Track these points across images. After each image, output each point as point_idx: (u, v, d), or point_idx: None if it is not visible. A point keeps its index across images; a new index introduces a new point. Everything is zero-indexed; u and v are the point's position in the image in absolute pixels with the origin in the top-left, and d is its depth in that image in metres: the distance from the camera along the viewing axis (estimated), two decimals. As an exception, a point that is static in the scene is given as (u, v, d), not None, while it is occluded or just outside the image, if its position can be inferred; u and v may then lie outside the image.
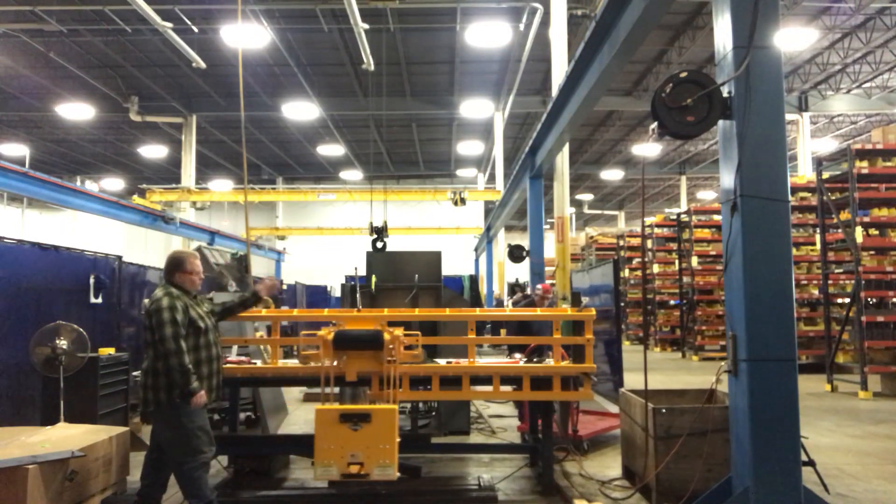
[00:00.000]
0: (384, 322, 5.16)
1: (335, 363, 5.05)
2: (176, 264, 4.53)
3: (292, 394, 10.36)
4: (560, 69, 10.74)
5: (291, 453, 6.42)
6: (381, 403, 4.85)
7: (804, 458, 4.66)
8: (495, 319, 11.83)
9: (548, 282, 8.59)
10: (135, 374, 7.24)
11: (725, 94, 4.17)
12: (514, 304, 12.09)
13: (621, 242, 24.05)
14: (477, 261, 29.75)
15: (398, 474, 4.60)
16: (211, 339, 4.48)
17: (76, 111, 20.86)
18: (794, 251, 8.54)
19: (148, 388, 4.26)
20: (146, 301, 4.49)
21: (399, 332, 5.05)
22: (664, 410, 5.02)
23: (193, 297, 4.55)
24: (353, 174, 31.78)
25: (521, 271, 19.08)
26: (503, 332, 8.87)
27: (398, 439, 4.61)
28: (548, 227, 13.78)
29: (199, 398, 4.23)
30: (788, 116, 20.70)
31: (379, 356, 4.95)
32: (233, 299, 5.20)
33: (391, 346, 4.93)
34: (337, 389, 7.34)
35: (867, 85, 20.51)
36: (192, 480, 4.24)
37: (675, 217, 18.94)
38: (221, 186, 29.94)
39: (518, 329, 7.74)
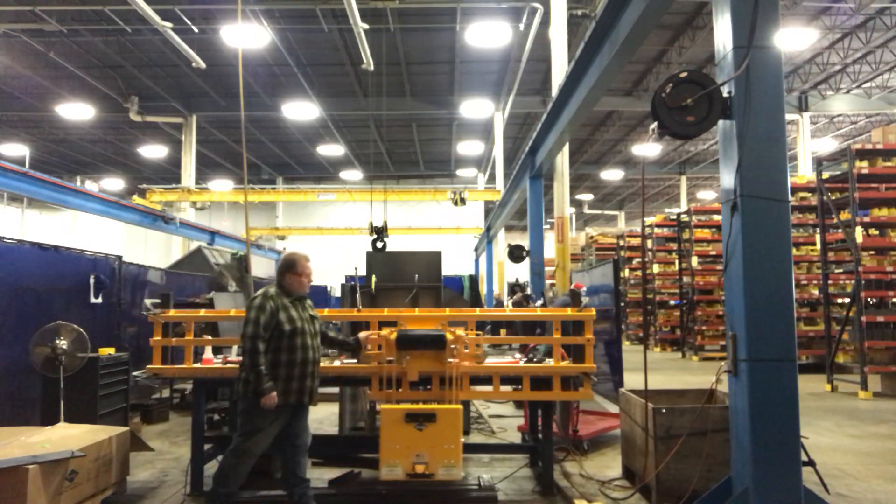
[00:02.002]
0: (445, 322, 5.21)
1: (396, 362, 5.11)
2: (288, 265, 4.66)
3: (292, 394, 10.35)
4: (560, 69, 10.74)
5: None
6: (443, 403, 4.89)
7: (804, 458, 4.66)
8: (495, 319, 11.83)
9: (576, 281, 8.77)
10: (135, 374, 7.25)
11: (725, 94, 4.17)
12: (515, 304, 12.09)
13: (621, 242, 24.04)
14: (477, 261, 29.75)
15: (462, 474, 4.63)
16: (298, 342, 4.50)
17: (76, 111, 20.87)
18: (794, 251, 8.55)
19: (238, 378, 4.47)
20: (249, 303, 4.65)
21: (461, 331, 5.09)
22: (664, 410, 5.02)
23: (298, 299, 4.66)
24: (353, 174, 31.79)
25: (521, 271, 19.07)
26: (503, 332, 8.85)
27: (462, 439, 4.67)
28: (548, 227, 13.78)
29: (268, 399, 4.30)
30: (788, 116, 20.70)
31: (441, 356, 4.99)
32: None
33: (453, 346, 4.95)
34: (336, 389, 7.36)
35: (867, 85, 20.51)
36: (225, 467, 4.39)
37: (675, 217, 18.93)
38: (221, 186, 29.94)
39: (534, 330, 7.83)
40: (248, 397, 4.36)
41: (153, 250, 29.88)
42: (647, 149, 24.38)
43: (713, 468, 4.74)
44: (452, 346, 4.97)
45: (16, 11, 14.99)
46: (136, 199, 22.66)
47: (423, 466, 4.54)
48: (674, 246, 18.70)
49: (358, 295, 6.48)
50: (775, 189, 4.10)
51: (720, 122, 4.27)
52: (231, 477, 4.39)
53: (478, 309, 8.98)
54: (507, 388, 5.41)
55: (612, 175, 30.78)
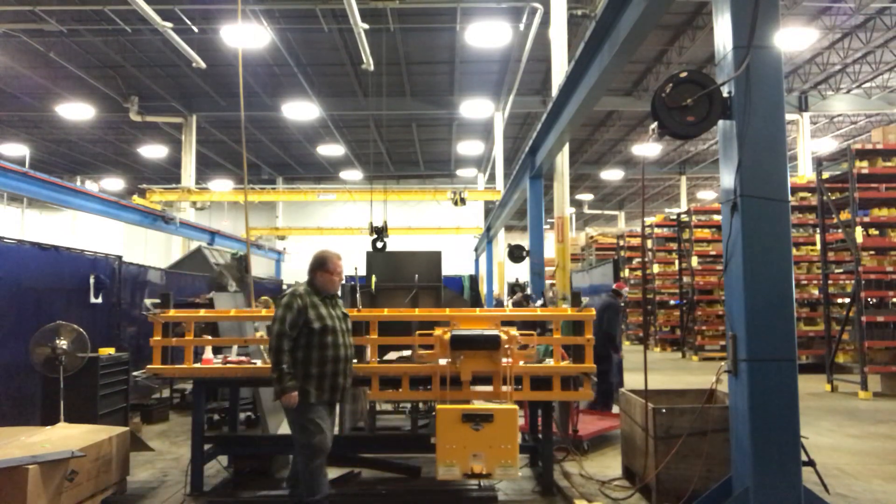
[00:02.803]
0: (498, 321, 5.22)
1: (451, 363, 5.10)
2: (319, 263, 4.65)
3: (292, 394, 10.35)
4: (560, 69, 10.73)
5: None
6: (499, 403, 4.90)
7: (804, 458, 4.66)
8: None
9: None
10: (135, 374, 7.25)
11: (725, 94, 4.17)
12: (515, 304, 12.08)
13: (621, 242, 24.04)
14: (477, 261, 29.74)
15: (520, 473, 4.65)
16: (329, 340, 4.48)
17: (76, 111, 20.86)
18: (794, 251, 8.54)
19: (274, 381, 4.40)
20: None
21: (514, 331, 5.11)
22: (664, 410, 5.02)
23: (329, 297, 4.64)
24: (353, 174, 31.78)
25: (521, 271, 19.06)
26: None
27: (519, 440, 4.69)
28: (548, 227, 13.77)
29: (288, 398, 4.30)
30: (788, 116, 20.69)
31: (495, 356, 5.00)
32: None
33: (507, 347, 4.96)
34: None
35: (867, 85, 20.50)
36: (307, 477, 4.39)
37: (675, 217, 18.94)
38: (221, 186, 29.93)
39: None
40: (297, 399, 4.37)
41: (153, 250, 29.87)
42: (647, 149, 24.37)
43: (713, 468, 4.74)
44: (506, 346, 4.97)
45: (16, 11, 14.98)
46: (136, 199, 22.65)
47: (481, 466, 4.55)
48: (674, 246, 18.71)
49: (358, 295, 6.47)
50: (775, 189, 4.10)
51: (720, 122, 4.26)
52: (318, 482, 4.37)
53: (478, 309, 8.98)
54: (506, 388, 5.40)
55: (612, 175, 30.77)
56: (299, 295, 4.47)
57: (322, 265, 4.64)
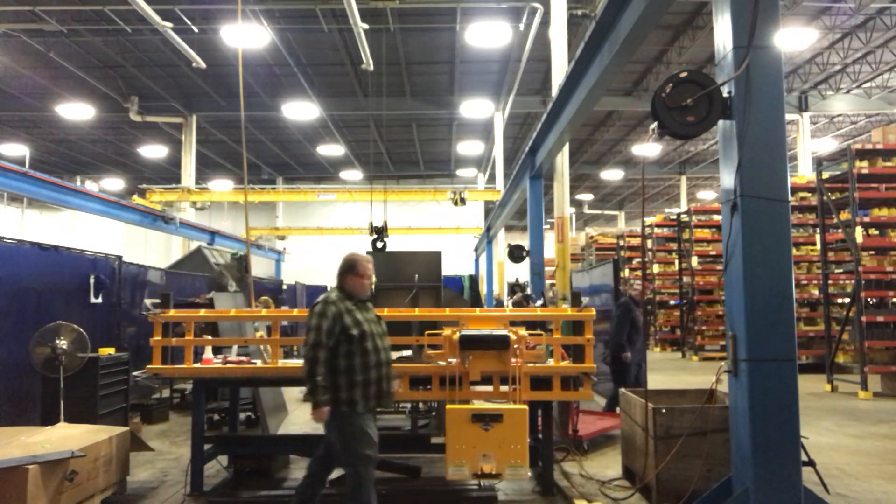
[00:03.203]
0: (507, 322, 5.23)
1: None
2: (349, 266, 4.42)
3: (292, 394, 10.35)
4: (560, 69, 10.74)
5: (291, 453, 6.42)
6: (507, 403, 4.89)
7: (804, 458, 4.67)
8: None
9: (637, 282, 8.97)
10: (135, 374, 7.25)
11: (725, 94, 4.17)
12: (515, 304, 12.08)
13: (621, 242, 24.04)
14: (477, 261, 29.74)
15: (529, 473, 4.61)
16: (369, 345, 4.26)
17: (76, 111, 20.86)
18: (794, 251, 8.55)
19: (312, 391, 4.16)
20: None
21: (523, 331, 5.11)
22: (664, 410, 5.02)
23: (361, 301, 4.42)
24: (353, 174, 31.78)
25: (521, 271, 19.07)
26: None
27: (528, 440, 4.68)
28: (548, 227, 13.77)
29: (320, 413, 4.06)
30: (788, 116, 20.70)
31: (503, 356, 5.00)
32: None
33: (516, 347, 4.97)
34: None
35: (867, 85, 20.50)
36: (357, 487, 4.15)
37: (675, 217, 18.94)
38: (221, 186, 29.93)
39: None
40: (338, 407, 4.14)
41: (153, 250, 29.86)
42: (647, 149, 24.38)
43: (713, 468, 4.74)
44: (515, 347, 4.97)
45: (16, 11, 14.98)
46: (136, 199, 22.65)
47: (490, 466, 4.53)
48: (674, 246, 18.71)
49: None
50: (775, 189, 4.09)
51: (720, 122, 4.26)
52: (371, 493, 4.15)
53: (478, 309, 8.98)
54: (505, 388, 5.41)
55: (612, 175, 30.77)
56: (332, 302, 4.24)
57: (352, 268, 4.42)
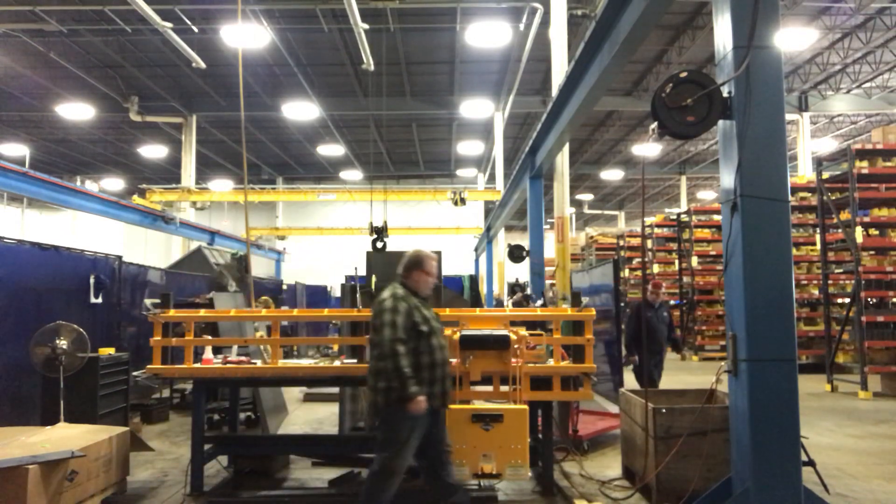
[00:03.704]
0: (507, 322, 5.24)
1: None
2: (417, 262, 4.37)
3: (292, 394, 10.36)
4: (560, 69, 10.74)
5: (291, 453, 6.43)
6: (507, 403, 4.90)
7: (804, 458, 4.67)
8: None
9: (663, 284, 8.69)
10: (135, 374, 7.25)
11: (725, 94, 4.17)
12: (515, 304, 12.08)
13: (621, 242, 24.04)
14: (477, 261, 29.75)
15: (529, 473, 4.61)
16: (434, 343, 4.23)
17: (76, 111, 20.86)
18: (794, 251, 8.54)
19: (372, 390, 4.13)
20: (376, 304, 4.28)
21: (523, 331, 5.11)
22: (664, 410, 5.02)
23: (423, 299, 4.37)
24: (353, 174, 31.78)
25: (521, 271, 19.07)
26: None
27: (529, 440, 4.68)
28: (548, 227, 13.78)
29: (417, 404, 3.99)
30: (788, 116, 20.70)
31: (504, 356, 5.00)
32: None
33: (516, 347, 4.97)
34: (336, 389, 7.36)
35: (867, 85, 20.50)
36: (373, 491, 4.13)
37: (675, 217, 18.94)
38: (221, 186, 29.93)
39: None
40: (391, 408, 4.04)
41: (153, 250, 29.86)
42: (647, 149, 24.38)
43: (713, 468, 4.74)
44: (515, 347, 4.97)
45: (16, 11, 14.98)
46: (136, 199, 22.65)
47: (491, 466, 4.54)
48: (674, 246, 18.70)
49: (358, 295, 6.47)
50: (775, 189, 4.10)
51: (720, 122, 4.27)
52: (389, 486, 4.12)
53: (478, 309, 8.99)
54: (505, 388, 5.41)
55: (612, 175, 30.77)
56: (401, 297, 4.17)
57: (419, 264, 4.36)
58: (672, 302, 19.84)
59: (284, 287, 18.17)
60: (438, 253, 7.46)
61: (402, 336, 4.05)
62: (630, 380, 7.76)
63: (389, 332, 4.04)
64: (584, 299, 5.61)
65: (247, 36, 15.12)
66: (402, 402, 3.99)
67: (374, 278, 7.12)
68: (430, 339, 4.20)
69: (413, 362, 4.07)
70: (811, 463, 5.17)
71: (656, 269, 18.83)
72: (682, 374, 13.37)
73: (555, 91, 9.01)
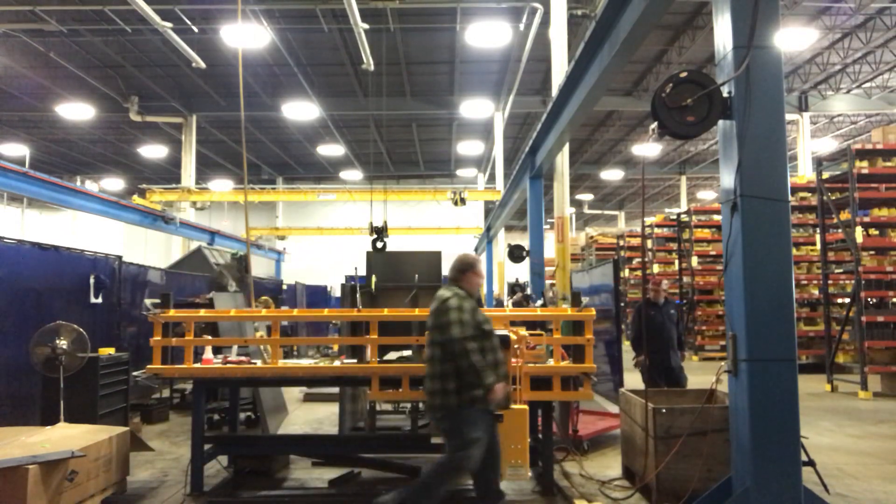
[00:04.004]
0: (507, 321, 5.25)
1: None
2: (469, 265, 4.45)
3: (292, 394, 10.37)
4: (560, 69, 10.74)
5: (291, 453, 6.43)
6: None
7: (804, 458, 4.67)
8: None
9: (664, 282, 8.33)
10: (135, 374, 7.25)
11: (725, 94, 4.17)
12: (515, 304, 12.07)
13: (621, 242, 24.04)
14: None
15: (530, 473, 4.60)
16: (496, 343, 4.31)
17: (76, 111, 20.86)
18: (794, 251, 8.53)
19: (436, 392, 4.12)
20: (437, 304, 4.28)
21: (524, 331, 5.11)
22: (664, 410, 5.02)
23: (476, 301, 4.43)
24: (353, 174, 31.79)
25: (521, 271, 19.08)
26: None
27: (528, 439, 4.67)
28: (548, 227, 13.78)
29: (497, 390, 4.07)
30: (788, 116, 20.70)
31: (504, 356, 4.99)
32: None
33: (516, 346, 4.97)
34: (336, 389, 7.37)
35: (867, 85, 20.50)
36: (432, 485, 4.10)
37: (675, 217, 18.93)
38: (221, 186, 29.93)
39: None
40: (463, 408, 4.06)
41: (153, 250, 29.87)
42: (647, 149, 24.38)
43: (713, 468, 4.74)
44: (516, 346, 4.96)
45: (16, 11, 14.98)
46: (136, 199, 22.64)
47: None
48: (674, 246, 18.69)
49: (358, 295, 6.47)
50: (775, 189, 4.10)
51: (720, 122, 4.27)
52: (436, 495, 4.08)
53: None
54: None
55: (612, 175, 30.77)
56: (464, 297, 4.23)
57: (472, 267, 4.44)
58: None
59: (284, 287, 18.17)
60: (438, 253, 7.54)
61: (470, 333, 4.09)
62: (636, 380, 7.71)
63: (459, 331, 4.06)
64: (584, 299, 5.61)
65: (247, 36, 15.12)
66: (474, 401, 4.05)
67: (374, 278, 7.12)
68: (492, 339, 4.29)
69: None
70: (811, 463, 5.17)
71: (656, 269, 18.82)
72: (682, 374, 13.36)
73: (555, 91, 9.01)
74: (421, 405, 7.59)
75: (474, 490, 4.39)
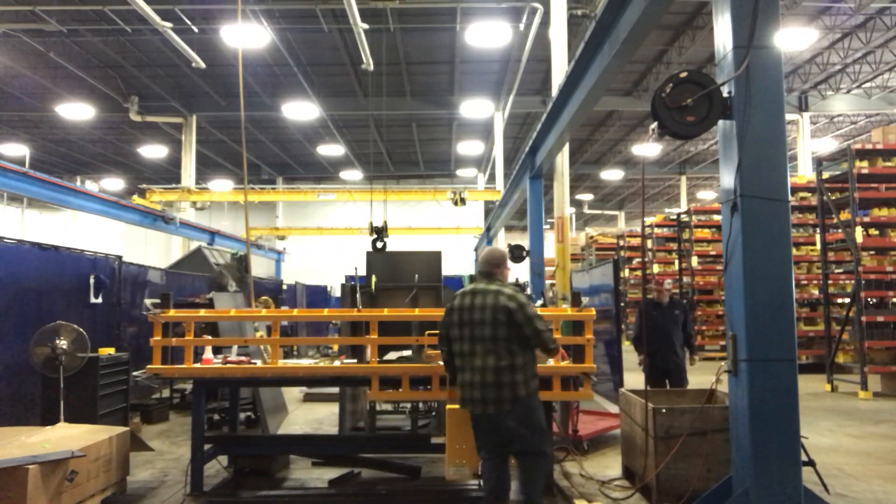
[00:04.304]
0: None
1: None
2: (504, 259, 4.60)
3: (292, 394, 10.37)
4: (560, 69, 10.73)
5: (291, 453, 6.43)
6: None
7: (804, 458, 4.67)
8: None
9: (667, 282, 8.15)
10: (135, 374, 7.25)
11: (725, 94, 4.17)
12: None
13: (621, 242, 24.03)
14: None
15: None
16: None
17: (76, 111, 20.85)
18: (794, 251, 8.52)
19: (504, 385, 4.14)
20: (506, 300, 4.29)
21: None
22: (664, 410, 5.02)
23: None
24: (353, 174, 31.78)
25: (521, 271, 19.07)
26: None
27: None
28: (548, 227, 13.77)
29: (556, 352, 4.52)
30: (788, 116, 20.69)
31: None
32: None
33: None
34: (336, 389, 7.37)
35: (867, 85, 20.50)
36: (540, 477, 4.26)
37: (675, 217, 18.92)
38: (221, 186, 29.93)
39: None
40: (531, 398, 4.25)
41: (153, 250, 29.86)
42: (647, 149, 24.37)
43: (713, 468, 4.74)
44: None
45: (16, 11, 14.98)
46: (136, 199, 22.64)
47: None
48: (674, 246, 18.69)
49: (358, 295, 6.47)
50: (775, 189, 4.09)
51: (720, 122, 4.26)
52: (542, 487, 4.30)
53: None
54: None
55: (612, 175, 30.77)
56: (518, 290, 4.43)
57: (505, 261, 4.61)
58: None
59: (284, 287, 18.17)
60: (438, 253, 7.54)
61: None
62: (636, 380, 7.69)
63: (542, 324, 4.27)
64: (584, 299, 5.61)
65: (247, 36, 15.12)
66: (536, 390, 4.31)
67: (374, 278, 7.12)
68: None
69: (532, 357, 4.38)
70: (811, 463, 5.17)
71: (656, 269, 18.82)
72: (682, 374, 13.36)
73: (555, 91, 9.01)
74: (421, 405, 7.61)
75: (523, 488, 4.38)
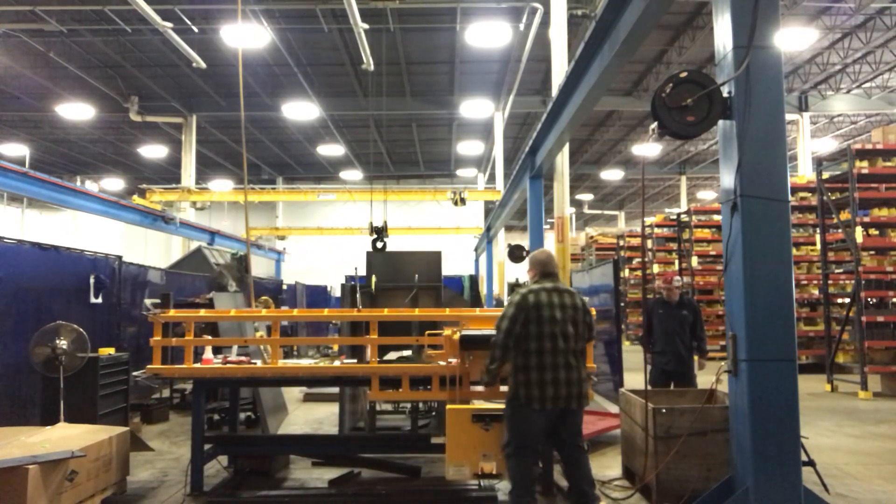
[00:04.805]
0: None
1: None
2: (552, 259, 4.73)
3: (292, 394, 10.37)
4: (560, 69, 10.74)
5: (291, 453, 6.43)
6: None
7: (804, 458, 4.67)
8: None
9: (676, 279, 7.94)
10: (135, 374, 7.25)
11: (725, 94, 4.17)
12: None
13: (621, 242, 24.03)
14: (477, 261, 29.74)
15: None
16: None
17: (76, 111, 20.86)
18: (794, 251, 8.52)
19: (583, 382, 4.36)
20: (585, 303, 4.56)
21: None
22: (664, 410, 5.02)
23: None
24: (353, 174, 31.79)
25: (521, 271, 19.05)
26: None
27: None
28: (548, 227, 13.77)
29: None
30: (788, 116, 20.70)
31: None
32: None
33: None
34: (336, 389, 7.37)
35: (867, 85, 20.50)
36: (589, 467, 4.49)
37: (675, 217, 18.92)
38: (221, 186, 29.93)
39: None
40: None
41: (153, 250, 29.87)
42: (647, 149, 24.38)
43: (713, 468, 4.74)
44: None
45: (16, 11, 14.98)
46: (136, 199, 22.65)
47: (491, 466, 4.56)
48: (674, 246, 18.67)
49: (358, 295, 6.47)
50: (775, 189, 4.10)
51: (720, 122, 4.26)
52: None
53: (478, 309, 8.99)
54: (505, 388, 5.40)
55: (612, 175, 30.77)
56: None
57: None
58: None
59: (284, 287, 18.17)
60: (438, 253, 7.54)
61: None
62: (636, 380, 7.66)
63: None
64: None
65: (247, 36, 15.12)
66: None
67: (374, 278, 7.12)
68: None
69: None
70: (811, 463, 5.18)
71: (656, 269, 18.82)
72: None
73: (555, 91, 9.01)
74: (421, 405, 7.61)
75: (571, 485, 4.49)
